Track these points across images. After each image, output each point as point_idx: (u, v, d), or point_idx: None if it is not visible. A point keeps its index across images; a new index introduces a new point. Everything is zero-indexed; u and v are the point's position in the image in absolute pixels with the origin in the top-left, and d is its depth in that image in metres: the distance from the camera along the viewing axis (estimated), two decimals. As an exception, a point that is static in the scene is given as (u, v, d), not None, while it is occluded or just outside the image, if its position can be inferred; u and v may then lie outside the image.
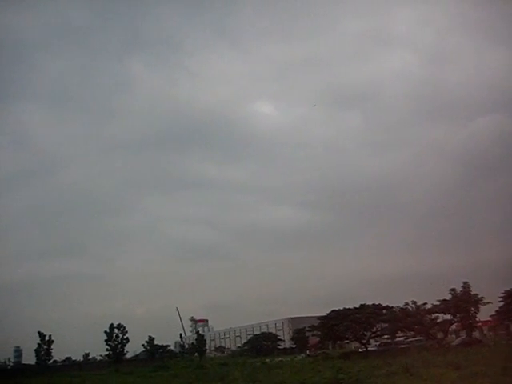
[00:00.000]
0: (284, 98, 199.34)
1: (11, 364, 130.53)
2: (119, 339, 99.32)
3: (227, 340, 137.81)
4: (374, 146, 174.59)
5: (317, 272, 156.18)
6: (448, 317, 53.68)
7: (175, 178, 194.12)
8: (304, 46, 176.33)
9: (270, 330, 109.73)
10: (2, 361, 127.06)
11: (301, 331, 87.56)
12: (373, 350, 54.82)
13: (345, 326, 54.23)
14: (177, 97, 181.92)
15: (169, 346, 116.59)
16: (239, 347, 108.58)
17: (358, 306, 56.20)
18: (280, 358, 50.19)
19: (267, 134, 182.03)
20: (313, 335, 70.20)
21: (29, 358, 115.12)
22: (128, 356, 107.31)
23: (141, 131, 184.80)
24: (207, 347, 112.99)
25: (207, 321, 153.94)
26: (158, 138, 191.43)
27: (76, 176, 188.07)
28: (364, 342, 56.79)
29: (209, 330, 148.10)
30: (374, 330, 56.14)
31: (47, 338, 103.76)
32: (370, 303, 56.17)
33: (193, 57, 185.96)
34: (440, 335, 54.51)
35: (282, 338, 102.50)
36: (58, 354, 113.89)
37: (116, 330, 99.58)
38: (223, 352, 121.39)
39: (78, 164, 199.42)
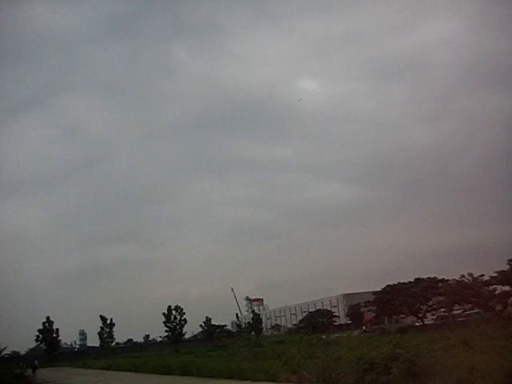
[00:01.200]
0: (327, 73, 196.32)
1: (77, 346, 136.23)
2: (177, 320, 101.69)
3: (282, 318, 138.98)
4: (420, 117, 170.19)
5: (369, 247, 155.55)
6: (507, 288, 52.39)
7: (224, 161, 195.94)
8: (345, 20, 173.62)
9: (324, 307, 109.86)
10: (69, 343, 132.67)
11: (356, 307, 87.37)
12: (430, 324, 54.22)
13: (400, 301, 53.74)
14: (221, 79, 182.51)
15: (226, 325, 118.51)
16: (295, 325, 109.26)
17: (412, 280, 55.55)
18: (336, 335, 50.31)
19: (312, 111, 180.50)
20: (368, 311, 69.94)
21: (93, 341, 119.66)
22: (186, 336, 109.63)
23: (188, 116, 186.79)
24: (263, 326, 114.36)
25: (262, 300, 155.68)
26: (205, 122, 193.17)
27: (127, 163, 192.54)
28: (420, 316, 56.17)
29: (264, 309, 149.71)
30: (430, 303, 55.32)
31: (109, 322, 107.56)
32: (424, 277, 55.41)
33: (235, 39, 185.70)
34: (499, 307, 53.27)
35: (337, 314, 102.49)
36: (120, 336, 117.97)
37: (174, 312, 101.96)
38: (279, 330, 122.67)
39: (129, 151, 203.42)
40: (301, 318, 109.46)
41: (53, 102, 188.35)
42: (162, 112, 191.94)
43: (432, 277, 55.11)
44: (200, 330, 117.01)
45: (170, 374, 29.66)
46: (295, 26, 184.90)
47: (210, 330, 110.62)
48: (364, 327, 76.16)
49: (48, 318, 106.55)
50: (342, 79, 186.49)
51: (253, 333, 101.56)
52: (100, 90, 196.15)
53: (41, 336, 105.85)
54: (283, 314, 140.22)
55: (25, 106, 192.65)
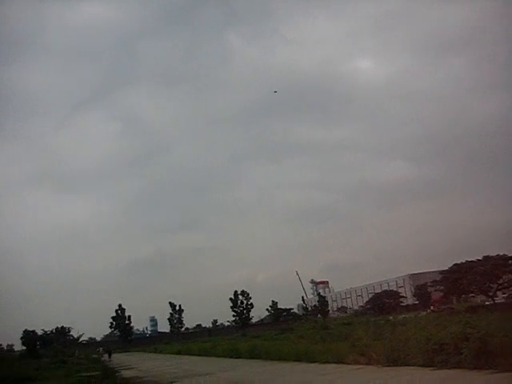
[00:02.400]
0: (383, 51, 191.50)
1: (149, 332, 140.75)
2: (244, 305, 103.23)
3: (348, 300, 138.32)
4: (480, 91, 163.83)
5: (433, 226, 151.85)
6: None
7: (283, 145, 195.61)
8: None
9: (390, 288, 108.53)
10: (141, 329, 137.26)
11: (422, 287, 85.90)
12: (501, 303, 52.63)
13: (469, 280, 52.47)
14: (276, 64, 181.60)
15: (292, 309, 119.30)
16: (361, 306, 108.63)
17: (480, 258, 54.07)
18: (403, 315, 49.75)
19: (369, 90, 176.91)
20: (435, 290, 68.72)
21: (163, 327, 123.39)
22: (253, 321, 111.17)
23: (245, 102, 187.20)
24: (329, 308, 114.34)
25: (327, 282, 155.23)
26: (262, 107, 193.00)
27: (188, 152, 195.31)
28: (490, 294, 54.69)
29: (330, 292, 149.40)
30: (501, 281, 53.77)
31: (177, 308, 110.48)
32: (493, 254, 53.78)
33: (288, 23, 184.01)
34: None
35: (403, 295, 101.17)
36: (189, 321, 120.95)
37: (240, 297, 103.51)
38: (345, 312, 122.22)
39: (189, 141, 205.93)
40: (367, 299, 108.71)
41: (113, 97, 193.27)
42: (219, 100, 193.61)
43: (502, 254, 53.43)
44: (266, 313, 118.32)
45: (238, 357, 30.22)
46: (348, 6, 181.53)
47: (277, 314, 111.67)
48: (432, 307, 74.76)
49: (120, 305, 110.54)
50: (399, 56, 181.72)
51: (319, 315, 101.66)
52: (158, 82, 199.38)
53: (114, 323, 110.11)
54: (349, 295, 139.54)
55: (87, 102, 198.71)
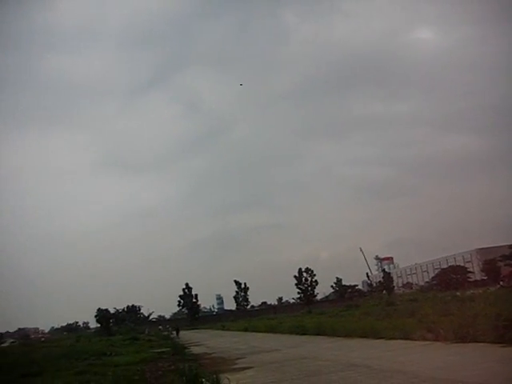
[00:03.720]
0: (443, 21, 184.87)
1: (215, 310, 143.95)
2: (308, 282, 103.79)
3: (414, 276, 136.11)
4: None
5: (500, 199, 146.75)
6: None
7: (343, 121, 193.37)
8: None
9: (457, 263, 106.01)
10: (207, 307, 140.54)
11: (491, 262, 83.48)
12: None
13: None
14: (334, 39, 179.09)
15: (356, 285, 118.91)
16: (427, 282, 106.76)
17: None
18: (471, 291, 48.65)
19: (430, 62, 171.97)
20: (505, 265, 66.77)
21: (229, 304, 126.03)
22: (318, 297, 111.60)
23: (303, 79, 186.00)
24: (394, 284, 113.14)
25: (392, 258, 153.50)
26: (320, 84, 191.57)
27: (249, 132, 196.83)
28: None
29: (394, 268, 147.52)
30: None
31: (243, 286, 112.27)
32: None
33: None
34: None
35: (471, 270, 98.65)
36: (254, 299, 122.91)
37: (305, 274, 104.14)
38: (411, 288, 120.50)
39: (249, 120, 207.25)
40: (433, 275, 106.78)
41: (173, 80, 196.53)
42: (277, 78, 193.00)
43: None
44: (331, 290, 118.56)
45: (304, 334, 30.53)
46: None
47: (342, 291, 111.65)
48: (501, 282, 72.70)
49: (187, 284, 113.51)
50: (460, 25, 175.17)
51: (384, 292, 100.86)
52: (216, 63, 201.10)
53: (182, 301, 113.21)
54: (414, 271, 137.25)
55: (148, 86, 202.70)
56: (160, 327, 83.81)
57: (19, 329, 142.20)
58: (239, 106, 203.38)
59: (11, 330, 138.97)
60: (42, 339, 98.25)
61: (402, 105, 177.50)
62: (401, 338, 18.58)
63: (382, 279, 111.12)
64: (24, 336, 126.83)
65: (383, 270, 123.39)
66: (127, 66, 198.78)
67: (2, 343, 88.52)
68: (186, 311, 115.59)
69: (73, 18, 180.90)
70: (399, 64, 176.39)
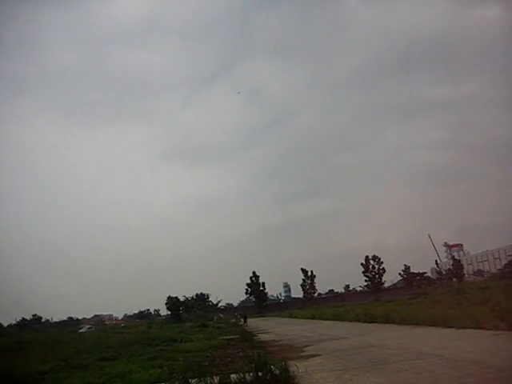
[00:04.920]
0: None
1: (282, 298, 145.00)
2: (376, 270, 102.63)
3: (485, 263, 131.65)
4: None
5: None
6: None
7: (408, 105, 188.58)
8: None
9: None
10: (275, 295, 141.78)
11: None
12: None
13: None
14: (396, 22, 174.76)
15: (425, 273, 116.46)
16: (499, 269, 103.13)
17: None
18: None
19: (497, 39, 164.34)
20: None
21: (296, 292, 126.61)
22: (386, 285, 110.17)
23: (367, 63, 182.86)
24: (465, 272, 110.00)
25: (462, 245, 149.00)
26: (384, 68, 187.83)
27: (311, 119, 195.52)
28: None
29: (464, 255, 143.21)
30: None
31: (309, 274, 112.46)
32: None
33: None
34: None
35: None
36: (321, 287, 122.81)
37: (371, 262, 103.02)
38: (482, 276, 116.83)
39: (312, 107, 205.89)
40: (505, 262, 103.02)
41: (235, 70, 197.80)
42: (339, 64, 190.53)
43: None
44: (399, 278, 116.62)
45: (372, 322, 30.33)
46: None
47: (410, 278, 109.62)
48: None
49: (254, 272, 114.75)
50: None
51: (454, 279, 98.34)
52: (277, 51, 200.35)
53: (249, 289, 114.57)
54: (485, 258, 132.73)
55: (210, 77, 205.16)
56: (221, 315, 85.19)
57: (95, 315, 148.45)
58: (301, 93, 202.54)
59: (88, 317, 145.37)
60: (122, 325, 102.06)
61: (469, 86, 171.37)
62: (472, 327, 18.18)
63: (451, 266, 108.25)
64: (99, 322, 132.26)
65: (452, 257, 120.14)
66: (190, 58, 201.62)
67: (80, 329, 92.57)
68: (254, 299, 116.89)
69: (136, 13, 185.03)
70: (465, 44, 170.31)
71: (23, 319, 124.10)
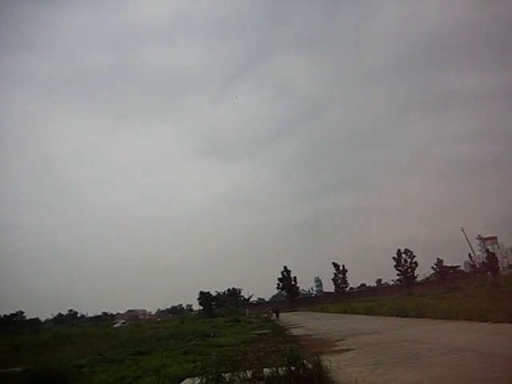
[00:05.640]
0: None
1: (314, 292, 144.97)
2: (408, 264, 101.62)
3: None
4: None
5: None
6: None
7: (440, 97, 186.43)
8: None
9: None
10: (306, 290, 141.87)
11: None
12: None
13: None
14: (424, 13, 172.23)
15: (458, 266, 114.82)
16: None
17: None
18: None
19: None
20: None
21: (328, 286, 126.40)
22: (418, 279, 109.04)
23: (396, 56, 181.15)
24: (499, 265, 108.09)
25: (496, 238, 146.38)
26: (414, 59, 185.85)
27: (342, 113, 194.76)
28: None
29: (499, 248, 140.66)
30: None
31: (341, 268, 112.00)
32: None
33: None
34: None
35: None
36: (353, 281, 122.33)
37: (404, 255, 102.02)
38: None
39: (342, 101, 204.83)
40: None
41: (264, 65, 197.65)
42: (369, 57, 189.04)
43: None
44: (432, 272, 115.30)
45: (405, 316, 30.11)
46: None
47: (443, 272, 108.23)
48: None
49: (285, 267, 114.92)
50: None
51: (488, 273, 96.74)
52: (305, 46, 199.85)
53: (281, 284, 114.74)
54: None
55: (239, 73, 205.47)
56: (247, 311, 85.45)
57: (129, 310, 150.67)
58: (330, 87, 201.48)
59: (122, 312, 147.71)
60: (159, 319, 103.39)
61: (499, 78, 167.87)
62: (508, 321, 17.92)
63: (485, 260, 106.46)
64: (133, 317, 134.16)
65: (487, 251, 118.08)
66: (219, 55, 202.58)
67: (114, 324, 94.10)
68: (285, 294, 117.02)
69: (165, 11, 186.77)
70: (498, 32, 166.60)
71: (60, 314, 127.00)
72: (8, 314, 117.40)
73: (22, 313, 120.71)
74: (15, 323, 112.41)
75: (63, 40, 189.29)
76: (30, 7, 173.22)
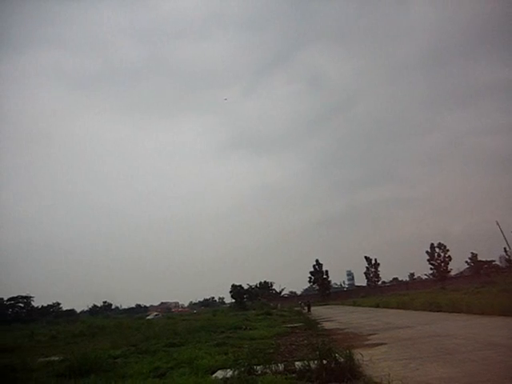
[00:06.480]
0: None
1: (346, 286, 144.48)
2: (441, 258, 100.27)
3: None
4: None
5: None
6: None
7: (473, 88, 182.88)
8: None
9: None
10: (338, 283, 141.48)
11: None
12: None
13: None
14: (458, 2, 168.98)
15: (493, 261, 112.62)
16: None
17: None
18: None
19: None
20: None
21: (360, 280, 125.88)
22: (452, 273, 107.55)
23: (428, 47, 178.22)
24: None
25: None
26: (447, 51, 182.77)
27: (374, 105, 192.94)
28: None
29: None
30: None
31: (373, 262, 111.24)
32: None
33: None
34: None
35: None
36: (385, 275, 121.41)
37: (437, 249, 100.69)
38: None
39: (374, 93, 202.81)
40: None
41: (294, 58, 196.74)
42: (401, 49, 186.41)
43: None
44: (465, 266, 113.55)
45: (438, 311, 29.80)
46: None
47: (477, 266, 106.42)
48: None
49: (317, 260, 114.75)
50: None
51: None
52: (336, 38, 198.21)
53: (312, 277, 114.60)
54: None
55: (269, 67, 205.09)
56: (279, 305, 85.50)
57: (161, 303, 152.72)
58: (361, 79, 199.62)
59: (155, 304, 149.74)
60: (195, 311, 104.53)
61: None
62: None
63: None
64: (166, 309, 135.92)
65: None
66: (249, 48, 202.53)
67: (147, 316, 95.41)
68: (317, 287, 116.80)
69: (195, 5, 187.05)
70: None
71: (94, 306, 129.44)
72: (45, 305, 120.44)
73: (59, 304, 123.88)
74: (52, 314, 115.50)
75: (95, 36, 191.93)
76: (62, 4, 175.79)
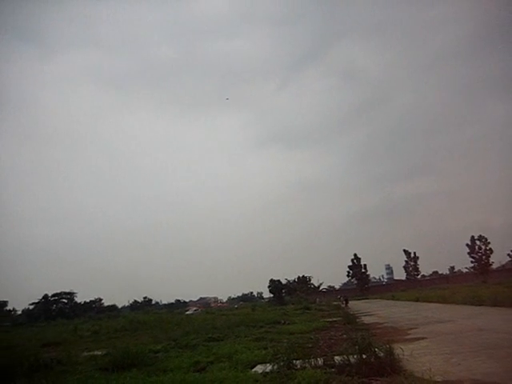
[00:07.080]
0: None
1: (385, 280, 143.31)
2: (482, 251, 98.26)
3: None
4: None
5: None
6: None
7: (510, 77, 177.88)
8: None
9: None
10: (377, 277, 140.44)
11: None
12: None
13: None
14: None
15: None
16: None
17: None
18: None
19: None
20: None
21: (399, 274, 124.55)
22: (494, 267, 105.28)
23: (463, 37, 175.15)
24: None
25: None
26: (482, 39, 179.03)
27: (409, 97, 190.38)
28: None
29: None
30: None
31: (412, 255, 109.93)
32: None
33: None
34: None
35: None
36: (424, 268, 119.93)
37: (478, 242, 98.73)
38: None
39: (409, 85, 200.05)
40: None
41: (327, 53, 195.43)
42: (434, 40, 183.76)
43: None
44: (508, 259, 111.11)
45: (480, 305, 29.29)
46: None
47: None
48: None
49: (355, 255, 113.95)
50: None
51: None
52: (370, 31, 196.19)
53: (351, 272, 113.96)
54: None
55: (304, 61, 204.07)
56: (318, 299, 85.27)
57: (200, 298, 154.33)
58: (398, 72, 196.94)
59: (194, 299, 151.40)
60: (236, 306, 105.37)
61: None
62: None
63: None
64: (205, 304, 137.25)
65: None
66: (282, 43, 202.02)
67: (186, 311, 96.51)
68: (355, 281, 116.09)
69: (229, 3, 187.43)
70: None
71: (135, 301, 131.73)
72: (88, 301, 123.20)
73: (101, 300, 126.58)
74: (94, 309, 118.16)
75: (129, 36, 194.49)
76: (97, 5, 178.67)
